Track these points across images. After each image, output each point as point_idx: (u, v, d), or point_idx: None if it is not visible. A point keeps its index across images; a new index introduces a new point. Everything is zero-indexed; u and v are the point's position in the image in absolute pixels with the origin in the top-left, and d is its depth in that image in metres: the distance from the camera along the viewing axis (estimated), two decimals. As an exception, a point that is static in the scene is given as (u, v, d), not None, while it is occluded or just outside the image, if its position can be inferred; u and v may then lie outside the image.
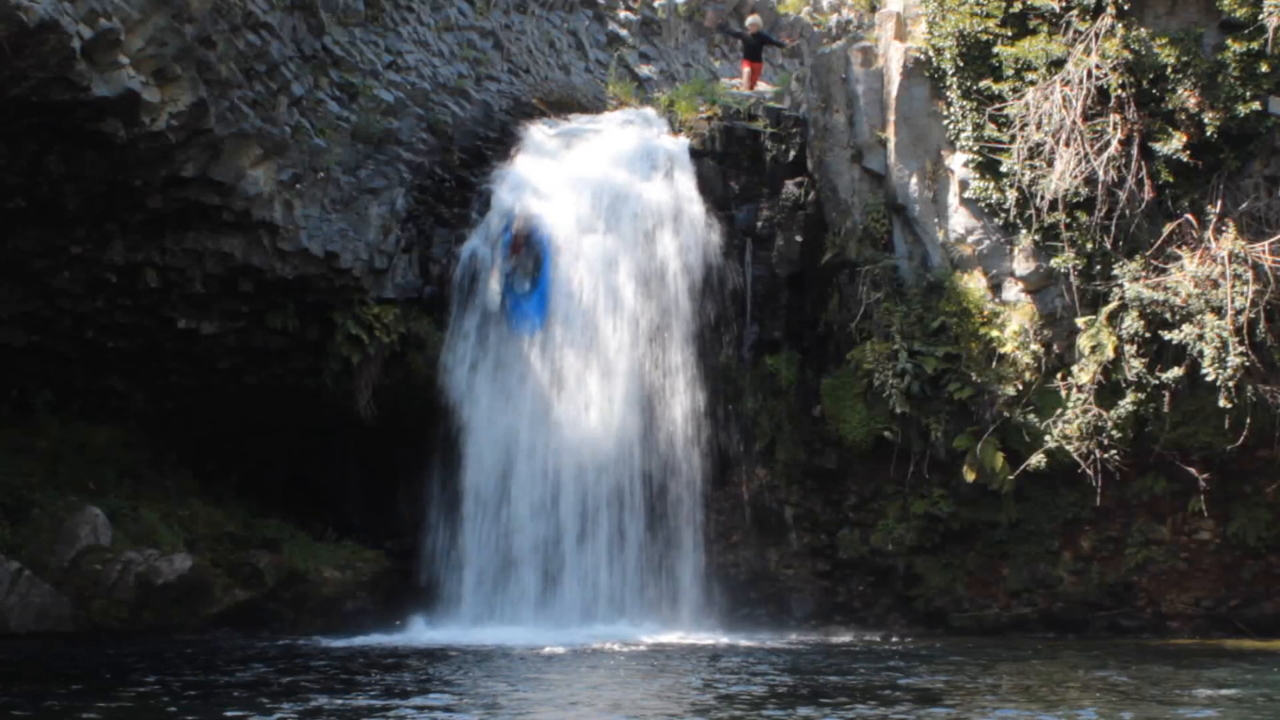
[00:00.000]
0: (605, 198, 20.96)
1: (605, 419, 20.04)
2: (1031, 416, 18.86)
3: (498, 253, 20.46)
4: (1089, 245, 18.44)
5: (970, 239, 19.54)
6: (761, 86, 24.51)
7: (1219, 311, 17.65)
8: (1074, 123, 18.09)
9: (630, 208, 20.85)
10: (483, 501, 20.04)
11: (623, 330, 20.35)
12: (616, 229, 20.75)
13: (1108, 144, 18.05)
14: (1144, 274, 18.15)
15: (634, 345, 20.35)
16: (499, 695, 12.75)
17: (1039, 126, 18.27)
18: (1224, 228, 17.96)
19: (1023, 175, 18.49)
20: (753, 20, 26.07)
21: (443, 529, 20.15)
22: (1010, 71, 18.73)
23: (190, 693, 12.70)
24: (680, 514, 20.24)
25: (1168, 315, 17.96)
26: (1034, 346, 19.03)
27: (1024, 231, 18.87)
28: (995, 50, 18.87)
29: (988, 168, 19.01)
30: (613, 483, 20.01)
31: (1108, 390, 18.43)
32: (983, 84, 18.97)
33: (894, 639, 19.17)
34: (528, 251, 20.41)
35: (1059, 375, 18.86)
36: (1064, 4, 18.55)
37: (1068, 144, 18.12)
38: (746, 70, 24.91)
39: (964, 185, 19.41)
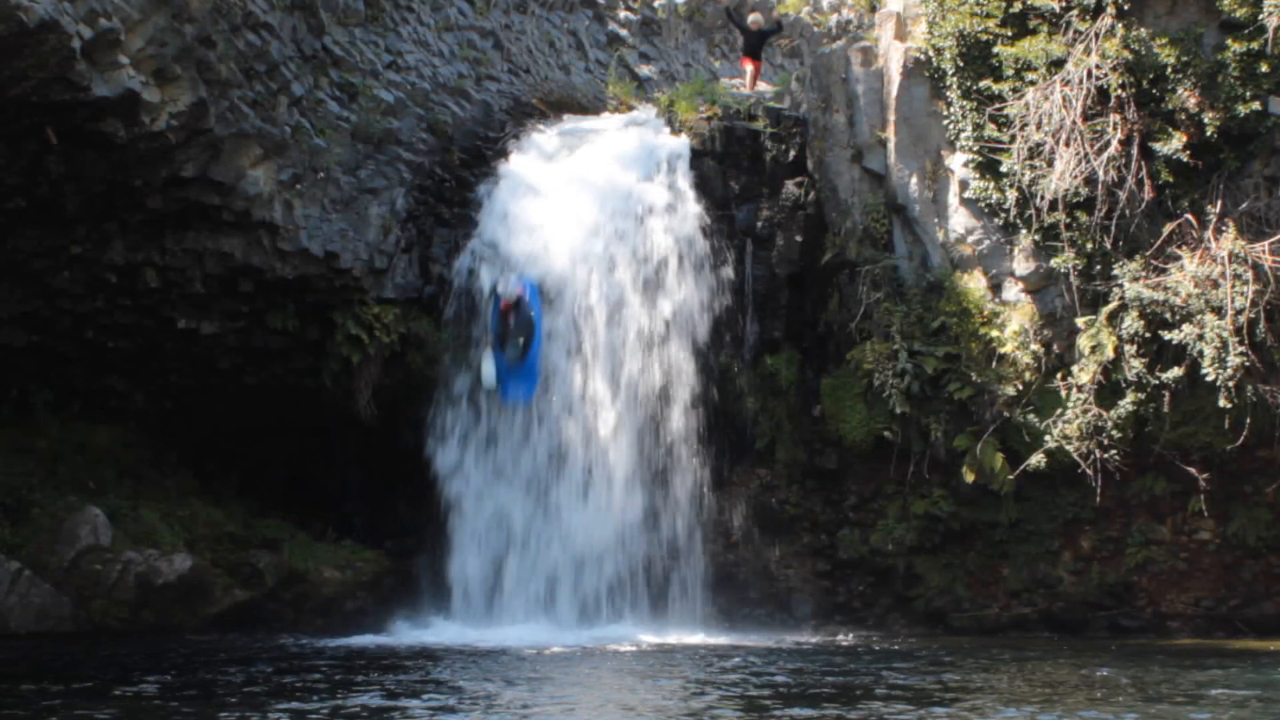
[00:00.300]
0: (604, 227, 20.57)
1: (605, 500, 19.61)
2: (1031, 416, 18.85)
3: (488, 317, 19.47)
4: (1089, 245, 18.44)
5: (970, 239, 19.54)
6: (761, 86, 24.48)
7: (1219, 311, 17.65)
8: (1074, 123, 18.09)
9: (629, 244, 20.50)
10: (471, 601, 19.47)
11: (622, 392, 19.89)
12: (615, 260, 20.48)
13: (1108, 144, 18.04)
14: (1144, 274, 18.15)
15: (634, 408, 19.86)
16: (499, 696, 12.75)
17: (1039, 126, 18.27)
18: (1224, 228, 17.96)
19: (1023, 175, 18.48)
20: (754, 18, 26.00)
21: (432, 624, 19.49)
22: (1010, 71, 18.72)
23: (189, 693, 12.70)
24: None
25: (1168, 315, 17.96)
26: (1034, 346, 19.03)
27: (1024, 231, 18.87)
28: (995, 50, 18.86)
29: (988, 168, 19.01)
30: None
31: (1108, 390, 18.43)
32: (983, 84, 18.96)
33: (894, 639, 19.16)
34: (518, 318, 19.14)
35: (1059, 375, 18.86)
36: (1064, 4, 18.54)
37: (1068, 144, 18.12)
38: (749, 68, 24.85)
39: (964, 185, 19.40)
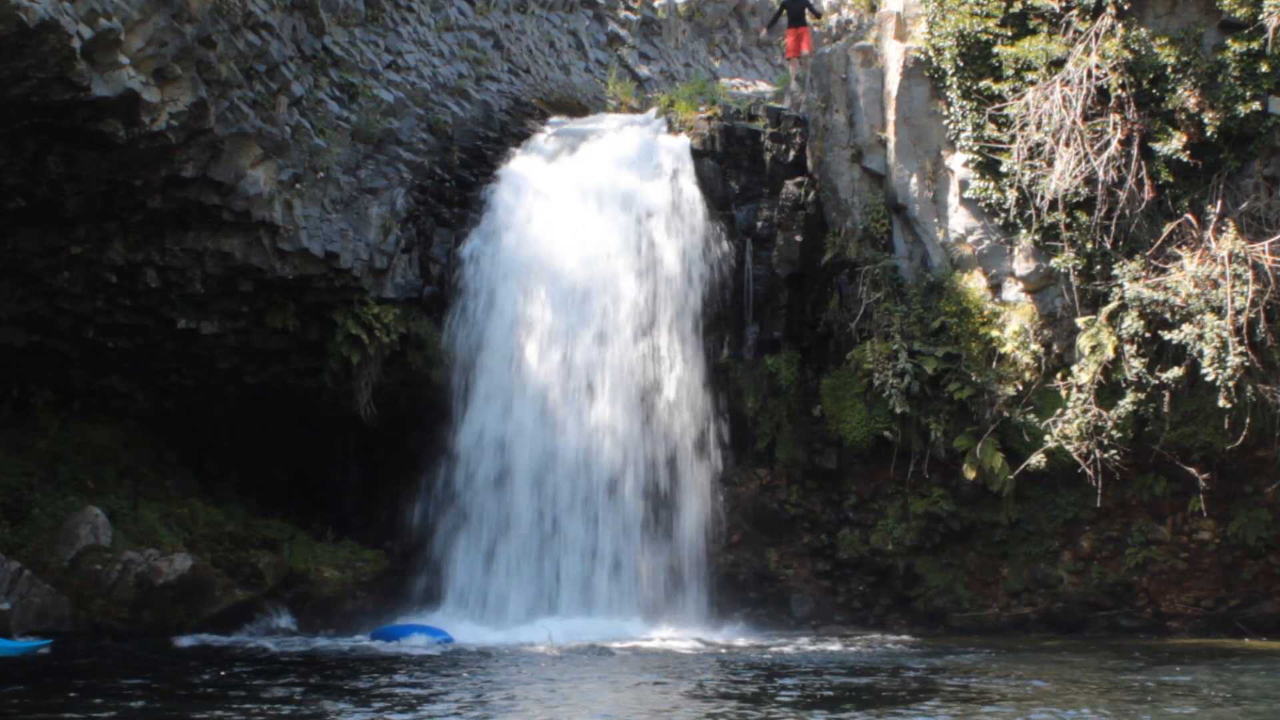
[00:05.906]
0: (603, 227, 20.46)
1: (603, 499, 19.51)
2: (1031, 416, 18.86)
3: None
4: (1089, 245, 18.44)
5: (970, 239, 19.55)
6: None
7: (1219, 311, 17.65)
8: (1074, 123, 18.10)
9: (629, 244, 20.35)
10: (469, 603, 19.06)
11: (622, 391, 19.84)
12: (615, 260, 20.44)
13: (1108, 144, 18.05)
14: (1144, 274, 18.16)
15: (634, 407, 19.69)
16: (493, 696, 12.76)
17: (1039, 126, 18.28)
18: (1224, 228, 17.97)
19: (1023, 175, 18.49)
20: None
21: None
22: (1010, 71, 18.73)
23: (189, 693, 12.70)
24: None
25: (1168, 315, 17.97)
26: (1034, 346, 19.04)
27: (1024, 231, 18.88)
28: (995, 50, 18.87)
29: (988, 168, 19.01)
30: None
31: (1108, 390, 18.44)
32: (983, 84, 18.97)
33: (894, 639, 19.15)
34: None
35: (1059, 375, 18.87)
36: (1064, 4, 18.55)
37: (1068, 144, 18.12)
38: (789, 43, 24.45)
39: (964, 185, 19.41)
